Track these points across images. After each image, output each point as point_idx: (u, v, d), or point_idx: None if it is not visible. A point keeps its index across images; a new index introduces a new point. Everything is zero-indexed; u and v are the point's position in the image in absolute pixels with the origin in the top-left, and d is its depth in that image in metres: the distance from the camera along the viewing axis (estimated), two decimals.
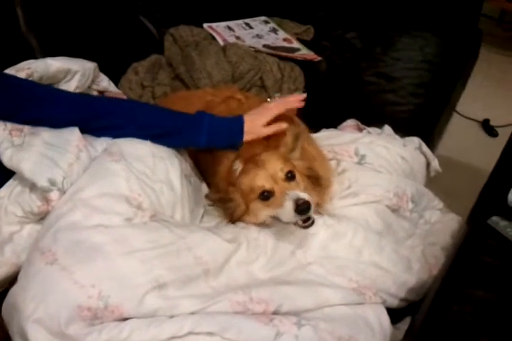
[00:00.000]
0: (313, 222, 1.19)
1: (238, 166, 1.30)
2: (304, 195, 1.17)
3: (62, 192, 1.17)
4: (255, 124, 1.33)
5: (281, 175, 1.22)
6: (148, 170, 1.25)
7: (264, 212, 1.25)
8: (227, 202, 1.28)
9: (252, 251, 1.22)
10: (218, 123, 1.33)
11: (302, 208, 1.15)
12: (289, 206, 1.16)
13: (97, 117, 1.29)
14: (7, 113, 1.24)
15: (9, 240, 1.18)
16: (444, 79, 2.01)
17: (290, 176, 1.23)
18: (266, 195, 1.22)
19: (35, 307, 1.01)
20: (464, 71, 2.12)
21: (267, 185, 1.21)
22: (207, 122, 1.31)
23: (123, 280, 1.05)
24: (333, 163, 1.44)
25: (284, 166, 1.23)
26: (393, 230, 1.37)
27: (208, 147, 1.34)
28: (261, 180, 1.22)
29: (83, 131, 1.27)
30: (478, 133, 2.77)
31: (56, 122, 1.26)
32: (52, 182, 1.16)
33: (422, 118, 1.84)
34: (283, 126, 1.32)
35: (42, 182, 1.15)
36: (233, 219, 1.28)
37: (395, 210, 1.39)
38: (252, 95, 1.73)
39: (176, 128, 1.31)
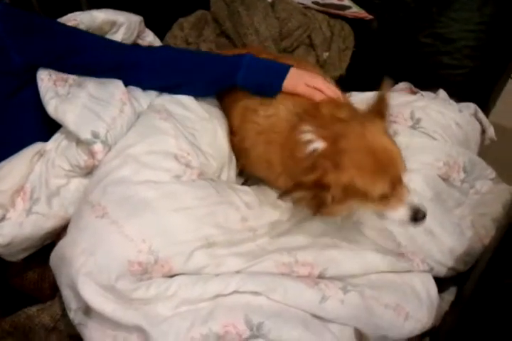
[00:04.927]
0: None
1: (314, 141, 1.06)
2: (421, 204, 1.06)
3: (107, 145, 1.17)
4: (300, 76, 1.22)
5: (401, 178, 1.05)
6: (196, 133, 1.25)
7: (365, 207, 1.10)
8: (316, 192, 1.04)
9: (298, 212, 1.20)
10: (260, 61, 1.27)
11: (419, 219, 1.05)
12: (404, 213, 1.05)
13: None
14: (56, 55, 1.25)
15: (56, 193, 1.19)
16: (502, 42, 1.91)
17: None
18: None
19: (85, 260, 1.02)
20: None
21: (387, 191, 1.04)
22: (248, 58, 1.26)
23: (172, 236, 1.06)
24: None
25: (404, 166, 1.05)
26: (442, 199, 1.33)
27: (245, 85, 1.24)
28: (381, 187, 1.02)
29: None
30: None
31: (98, 67, 1.28)
32: (96, 135, 1.16)
33: (477, 83, 1.76)
34: (320, 95, 1.17)
35: (85, 134, 1.15)
36: (319, 212, 1.07)
37: (444, 179, 1.35)
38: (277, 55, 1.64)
39: (213, 60, 1.31)
